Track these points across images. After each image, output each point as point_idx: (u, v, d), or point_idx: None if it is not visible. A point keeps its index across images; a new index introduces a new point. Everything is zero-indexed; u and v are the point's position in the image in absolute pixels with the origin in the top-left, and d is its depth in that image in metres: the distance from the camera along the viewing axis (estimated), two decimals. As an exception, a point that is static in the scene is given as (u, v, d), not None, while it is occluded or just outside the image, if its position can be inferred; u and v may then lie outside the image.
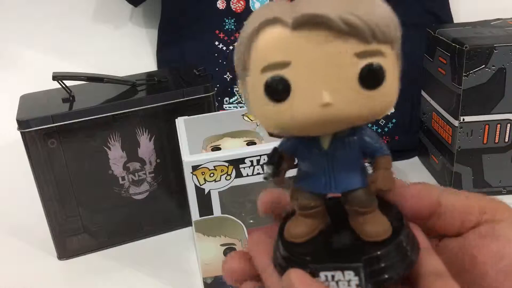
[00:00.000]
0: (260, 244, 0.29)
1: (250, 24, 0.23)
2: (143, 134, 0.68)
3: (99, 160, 0.67)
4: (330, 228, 0.29)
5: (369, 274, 0.25)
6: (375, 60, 0.23)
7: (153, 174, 0.71)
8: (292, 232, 0.28)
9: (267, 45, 0.23)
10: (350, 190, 0.27)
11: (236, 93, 0.91)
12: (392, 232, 0.27)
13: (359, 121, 0.24)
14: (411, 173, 0.86)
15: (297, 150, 0.27)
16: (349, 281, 0.25)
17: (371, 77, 0.23)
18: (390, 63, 0.23)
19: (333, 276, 0.25)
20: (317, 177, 0.27)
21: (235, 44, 0.25)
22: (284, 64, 0.22)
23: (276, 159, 0.27)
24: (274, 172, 0.27)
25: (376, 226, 0.27)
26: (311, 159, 0.27)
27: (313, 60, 0.22)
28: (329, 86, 0.22)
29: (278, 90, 0.23)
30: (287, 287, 0.25)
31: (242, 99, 0.27)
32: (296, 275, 0.25)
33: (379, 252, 0.25)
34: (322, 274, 0.25)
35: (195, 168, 0.53)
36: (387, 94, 0.24)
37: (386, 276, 0.25)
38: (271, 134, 0.26)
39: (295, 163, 0.28)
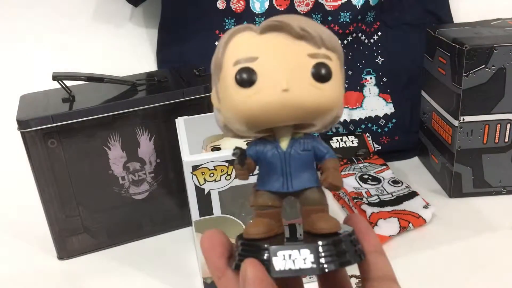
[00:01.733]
0: (216, 246, 0.31)
1: (226, 34, 0.29)
2: (143, 134, 0.68)
3: (99, 160, 0.67)
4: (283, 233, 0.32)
5: (323, 256, 0.28)
6: (323, 61, 0.28)
7: (153, 174, 0.71)
8: (249, 230, 0.30)
9: (239, 44, 0.29)
10: (305, 189, 0.30)
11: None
12: (342, 229, 0.30)
13: (312, 110, 0.28)
14: (411, 173, 0.86)
15: (258, 155, 0.31)
16: (304, 259, 0.28)
17: (321, 73, 0.28)
18: (335, 67, 0.29)
19: (290, 255, 0.28)
20: (276, 177, 0.31)
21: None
22: (252, 58, 0.28)
23: (239, 153, 0.31)
24: (241, 159, 0.31)
25: (327, 221, 0.30)
26: (271, 161, 0.31)
27: (276, 56, 0.28)
28: (288, 76, 0.27)
29: (245, 77, 0.28)
30: (242, 280, 0.27)
31: (214, 110, 0.31)
32: (252, 269, 0.27)
33: (333, 239, 0.29)
34: (280, 253, 0.28)
35: (195, 168, 0.53)
36: (334, 90, 0.29)
37: (339, 260, 0.28)
38: (227, 135, 0.32)
39: (256, 168, 0.32)
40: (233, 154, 0.31)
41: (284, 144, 0.30)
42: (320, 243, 0.28)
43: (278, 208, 0.31)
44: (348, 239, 0.29)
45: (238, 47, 0.28)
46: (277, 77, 0.27)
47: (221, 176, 0.54)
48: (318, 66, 0.28)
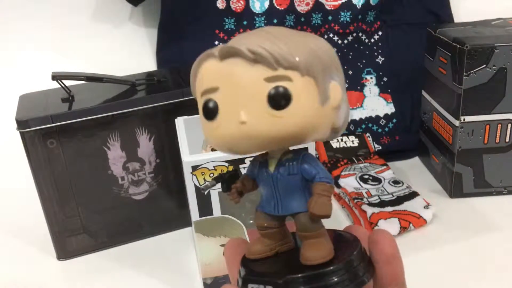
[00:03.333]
0: (234, 255, 0.32)
1: (194, 63, 0.29)
2: (142, 134, 0.68)
3: (99, 160, 0.67)
4: (293, 251, 0.31)
5: None
6: (281, 84, 0.26)
7: (152, 174, 0.70)
8: (249, 249, 0.31)
9: (203, 74, 0.28)
10: (293, 214, 0.29)
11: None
12: (338, 259, 0.29)
13: (273, 139, 0.27)
14: (411, 173, 0.86)
15: (254, 175, 0.31)
16: None
17: (277, 99, 0.26)
18: (299, 87, 0.26)
19: None
20: (269, 199, 0.30)
21: None
22: (214, 89, 0.27)
23: (227, 176, 0.31)
24: (224, 187, 0.31)
25: (317, 250, 0.29)
26: (263, 182, 0.30)
27: (234, 85, 0.27)
28: (245, 107, 0.26)
29: (209, 110, 0.27)
30: None
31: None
32: None
33: (299, 275, 0.28)
34: (250, 285, 0.29)
35: (195, 168, 0.53)
36: (295, 115, 0.27)
37: None
38: (213, 149, 0.30)
39: (257, 186, 0.31)
40: (202, 190, 0.32)
41: (272, 166, 0.29)
42: (281, 282, 0.27)
43: (275, 229, 0.30)
44: (341, 270, 0.28)
45: (202, 77, 0.28)
46: (235, 109, 0.27)
47: (221, 176, 0.54)
48: (273, 91, 0.26)
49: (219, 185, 0.33)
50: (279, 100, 0.26)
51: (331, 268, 0.28)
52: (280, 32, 0.28)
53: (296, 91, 0.26)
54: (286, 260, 0.30)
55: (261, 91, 0.26)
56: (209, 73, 0.28)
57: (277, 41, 0.26)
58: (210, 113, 0.27)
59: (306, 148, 0.30)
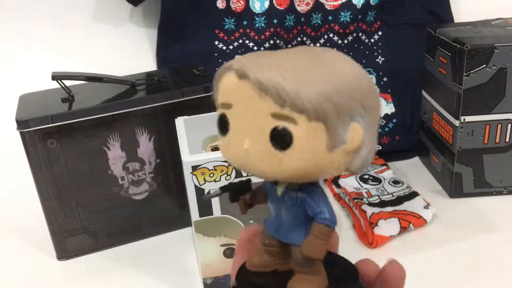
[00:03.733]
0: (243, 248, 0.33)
1: (218, 71, 0.28)
2: (142, 134, 0.68)
3: (99, 160, 0.67)
4: (291, 273, 0.30)
5: None
6: (285, 125, 0.25)
7: (152, 174, 0.70)
8: (249, 260, 0.31)
9: (222, 87, 0.27)
10: (291, 244, 0.29)
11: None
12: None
13: (270, 176, 0.26)
14: (411, 173, 0.86)
15: (267, 188, 0.30)
16: None
17: (277, 140, 0.25)
18: (303, 132, 0.25)
19: None
20: (273, 220, 0.30)
21: None
22: (229, 105, 0.27)
23: (235, 187, 0.30)
24: (231, 198, 0.31)
25: (300, 285, 0.28)
26: (272, 201, 0.30)
27: (244, 110, 0.26)
28: (250, 135, 0.26)
29: (222, 125, 0.27)
30: None
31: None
32: None
33: None
34: None
35: (195, 168, 0.53)
36: (294, 159, 0.25)
37: None
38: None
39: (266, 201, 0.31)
40: (205, 199, 0.32)
41: (280, 190, 0.29)
42: None
43: (276, 248, 0.30)
44: None
45: (221, 88, 0.27)
46: (241, 134, 0.26)
47: (221, 176, 0.54)
48: (275, 130, 0.25)
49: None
50: (279, 141, 0.25)
51: None
52: (301, 61, 0.26)
53: (299, 135, 0.25)
54: (280, 280, 0.30)
55: (266, 126, 0.25)
56: (227, 87, 0.27)
57: (291, 75, 0.25)
58: (223, 127, 0.27)
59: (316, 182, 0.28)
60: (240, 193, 0.31)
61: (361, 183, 0.79)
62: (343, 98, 0.25)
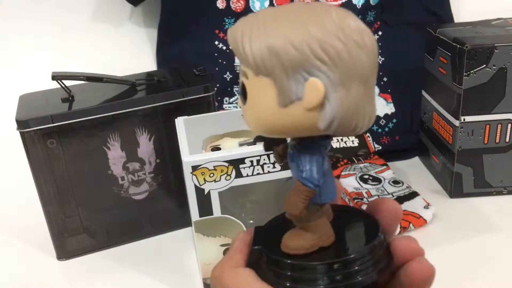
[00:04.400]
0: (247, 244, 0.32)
1: None
2: (142, 134, 0.68)
3: (99, 160, 0.67)
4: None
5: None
6: (243, 79, 0.26)
7: (152, 174, 0.70)
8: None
9: None
10: None
11: (236, 93, 0.91)
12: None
13: (251, 128, 0.28)
14: (411, 173, 0.86)
15: None
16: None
17: (241, 92, 0.27)
18: (251, 86, 0.26)
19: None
20: None
21: None
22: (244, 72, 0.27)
23: (269, 138, 0.30)
24: (265, 147, 0.31)
25: (293, 240, 0.29)
26: None
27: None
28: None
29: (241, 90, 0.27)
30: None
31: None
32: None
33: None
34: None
35: (195, 168, 0.53)
36: (250, 113, 0.27)
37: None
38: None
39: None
40: (239, 144, 0.32)
41: (290, 146, 0.29)
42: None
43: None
44: (321, 268, 0.28)
45: None
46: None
47: (221, 176, 0.54)
48: (241, 84, 0.27)
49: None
50: (241, 94, 0.27)
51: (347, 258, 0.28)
52: (277, 16, 0.26)
53: (249, 89, 0.26)
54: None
55: (240, 79, 0.27)
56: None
57: (251, 32, 0.25)
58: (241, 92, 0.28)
59: (310, 139, 0.28)
60: (274, 144, 0.30)
61: (361, 183, 0.79)
62: (296, 52, 0.24)
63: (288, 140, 0.30)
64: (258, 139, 0.31)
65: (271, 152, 0.31)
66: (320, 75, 0.24)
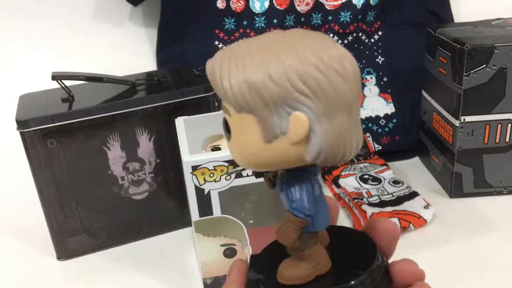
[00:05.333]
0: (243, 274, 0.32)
1: None
2: (142, 134, 0.68)
3: (99, 160, 0.67)
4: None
5: None
6: (225, 116, 0.26)
7: (152, 174, 0.70)
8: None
9: None
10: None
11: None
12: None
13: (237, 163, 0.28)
14: (411, 173, 0.86)
15: None
16: None
17: (224, 129, 0.27)
18: (234, 123, 0.26)
19: None
20: None
21: None
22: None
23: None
24: (255, 173, 0.31)
25: (289, 270, 0.29)
26: None
27: None
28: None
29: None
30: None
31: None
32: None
33: None
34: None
35: (195, 168, 0.53)
36: (235, 149, 0.27)
37: None
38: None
39: None
40: (228, 174, 0.32)
41: (279, 175, 0.29)
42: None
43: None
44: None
45: None
46: None
47: (221, 176, 0.54)
48: (223, 120, 0.26)
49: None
50: (225, 129, 0.26)
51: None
52: (254, 49, 0.25)
53: (232, 125, 0.26)
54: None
55: (223, 115, 0.27)
56: None
57: (230, 67, 0.25)
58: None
59: (298, 167, 0.27)
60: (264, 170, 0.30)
61: (361, 183, 0.79)
62: (276, 87, 0.24)
63: None
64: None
65: (262, 177, 0.31)
66: (303, 108, 0.24)
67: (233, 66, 0.25)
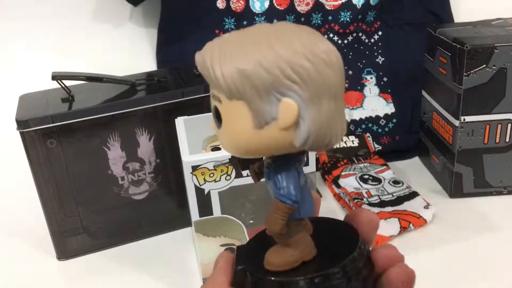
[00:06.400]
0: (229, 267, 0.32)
1: None
2: (142, 134, 0.68)
3: (99, 160, 0.67)
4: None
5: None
6: (216, 103, 0.27)
7: (152, 174, 0.70)
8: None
9: None
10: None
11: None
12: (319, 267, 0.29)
13: (226, 150, 0.28)
14: (411, 173, 0.86)
15: None
16: None
17: (215, 116, 0.27)
18: (225, 110, 0.26)
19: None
20: None
21: None
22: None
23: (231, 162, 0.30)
24: (240, 166, 0.32)
25: (275, 257, 0.29)
26: None
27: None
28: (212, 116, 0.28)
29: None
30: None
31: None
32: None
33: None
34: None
35: (195, 168, 0.53)
36: (226, 136, 0.27)
37: None
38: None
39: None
40: (214, 166, 0.32)
41: (265, 165, 0.29)
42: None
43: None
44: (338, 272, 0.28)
45: None
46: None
47: (221, 176, 0.54)
48: (214, 109, 0.27)
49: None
50: (216, 119, 0.27)
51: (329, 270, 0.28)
52: (245, 39, 0.26)
53: (223, 113, 0.26)
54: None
55: (212, 106, 0.27)
56: None
57: (220, 55, 0.26)
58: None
59: (284, 156, 0.28)
60: (250, 162, 0.31)
61: (361, 183, 0.79)
62: (267, 74, 0.25)
63: (263, 157, 0.30)
64: (233, 158, 0.31)
65: (247, 170, 0.31)
66: (292, 94, 0.25)
67: (224, 55, 0.25)
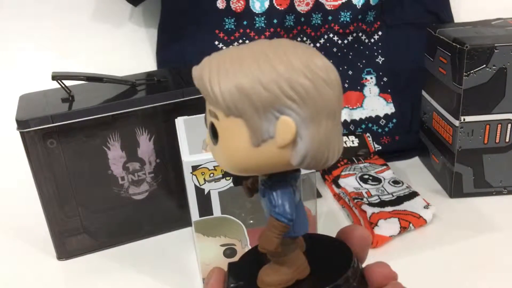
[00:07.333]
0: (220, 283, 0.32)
1: None
2: (142, 134, 0.68)
3: (99, 160, 0.67)
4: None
5: None
6: (213, 119, 0.26)
7: (152, 174, 0.70)
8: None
9: None
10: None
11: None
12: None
13: (222, 167, 0.28)
14: (411, 173, 0.86)
15: None
16: None
17: (211, 133, 0.27)
18: (222, 127, 0.26)
19: None
20: None
21: None
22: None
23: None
24: (234, 182, 0.31)
25: (269, 275, 0.29)
26: None
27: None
28: (208, 131, 0.28)
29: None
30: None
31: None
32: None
33: None
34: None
35: (195, 168, 0.53)
36: (222, 153, 0.27)
37: None
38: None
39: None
40: (207, 181, 0.32)
41: (260, 182, 0.29)
42: None
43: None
44: None
45: None
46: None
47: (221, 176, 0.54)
48: (210, 126, 0.27)
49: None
50: (212, 135, 0.27)
51: None
52: (243, 56, 0.26)
53: (220, 129, 0.26)
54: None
55: (208, 122, 0.27)
56: None
57: (219, 72, 0.25)
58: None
59: (280, 173, 0.28)
60: (243, 178, 0.30)
61: (361, 183, 0.79)
62: (266, 92, 0.25)
63: None
64: (226, 174, 0.31)
65: (241, 186, 0.31)
66: (290, 113, 0.25)
67: (223, 72, 0.25)
